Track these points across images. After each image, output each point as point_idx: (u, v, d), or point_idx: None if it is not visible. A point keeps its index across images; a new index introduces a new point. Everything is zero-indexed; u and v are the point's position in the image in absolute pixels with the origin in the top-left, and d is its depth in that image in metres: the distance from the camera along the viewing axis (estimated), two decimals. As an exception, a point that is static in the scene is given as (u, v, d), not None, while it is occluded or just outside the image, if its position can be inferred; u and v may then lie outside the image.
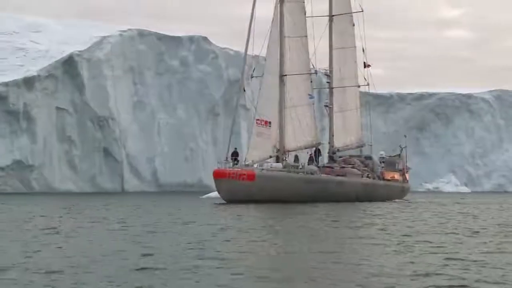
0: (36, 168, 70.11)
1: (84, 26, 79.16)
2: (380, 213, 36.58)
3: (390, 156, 60.92)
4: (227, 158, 48.66)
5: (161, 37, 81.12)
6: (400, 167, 60.25)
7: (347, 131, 57.99)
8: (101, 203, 46.47)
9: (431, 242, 20.14)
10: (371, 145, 59.86)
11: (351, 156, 58.02)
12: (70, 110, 73.06)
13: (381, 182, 57.34)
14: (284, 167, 49.94)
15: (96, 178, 75.05)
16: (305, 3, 53.10)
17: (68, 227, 25.08)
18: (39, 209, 38.55)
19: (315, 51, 54.11)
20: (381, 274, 14.10)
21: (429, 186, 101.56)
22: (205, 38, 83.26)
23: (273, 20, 51.01)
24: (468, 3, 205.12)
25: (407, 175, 61.08)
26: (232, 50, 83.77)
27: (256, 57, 52.53)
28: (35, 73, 69.51)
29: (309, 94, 52.68)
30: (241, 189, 46.25)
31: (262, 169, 48.90)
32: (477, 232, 24.48)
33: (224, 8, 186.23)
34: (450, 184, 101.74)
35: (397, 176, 59.47)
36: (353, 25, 57.40)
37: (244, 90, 52.14)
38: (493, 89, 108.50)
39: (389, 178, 58.39)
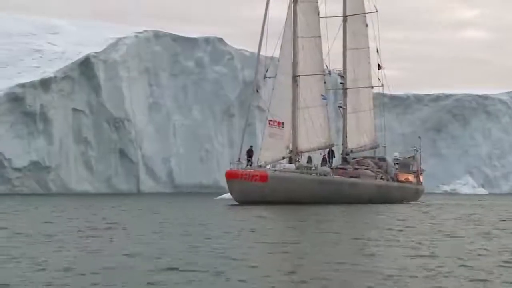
0: (53, 169, 69.90)
1: (100, 28, 78.96)
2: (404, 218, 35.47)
3: (404, 158, 60.05)
4: (239, 159, 48.12)
5: (177, 38, 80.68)
6: (414, 168, 59.35)
7: (361, 132, 57.24)
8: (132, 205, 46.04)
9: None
10: (385, 147, 59.05)
11: (364, 157, 57.24)
12: (86, 112, 72.80)
13: (395, 184, 56.51)
14: (297, 168, 49.31)
15: (112, 179, 74.76)
16: (319, 3, 52.56)
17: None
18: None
19: (328, 52, 53.46)
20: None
21: (446, 187, 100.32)
22: (220, 39, 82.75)
23: (286, 20, 50.43)
24: (484, 4, 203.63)
25: (421, 177, 60.16)
26: (247, 51, 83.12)
27: (271, 58, 51.93)
28: (51, 75, 69.28)
29: (322, 95, 52.02)
30: (254, 190, 45.68)
31: (275, 170, 48.30)
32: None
33: (239, 9, 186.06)
34: (467, 185, 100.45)
35: (411, 178, 58.57)
36: (366, 25, 56.65)
37: (257, 91, 51.54)
38: (510, 90, 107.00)
39: (403, 180, 57.54)
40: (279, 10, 53.25)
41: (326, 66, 53.43)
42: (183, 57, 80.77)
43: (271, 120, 49.34)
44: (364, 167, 54.49)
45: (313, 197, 47.88)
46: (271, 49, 50.12)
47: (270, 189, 46.02)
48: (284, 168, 48.87)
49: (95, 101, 73.00)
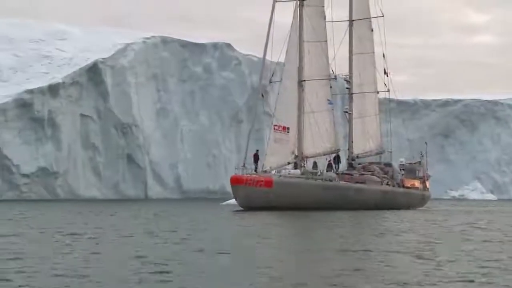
0: (61, 175, 69.44)
1: (108, 33, 78.51)
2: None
3: (410, 163, 59.16)
4: (244, 164, 47.40)
5: (185, 44, 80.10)
6: (421, 174, 58.46)
7: (366, 138, 56.44)
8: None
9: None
10: (390, 152, 58.20)
11: (370, 163, 56.41)
12: (94, 117, 72.37)
13: (401, 189, 55.63)
14: (303, 173, 48.53)
15: (120, 185, 74.22)
16: (325, 8, 51.82)
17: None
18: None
19: (334, 56, 52.71)
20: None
21: (454, 193, 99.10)
22: (228, 45, 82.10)
23: (292, 24, 49.70)
24: (494, 8, 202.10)
25: (427, 183, 59.23)
26: (255, 56, 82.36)
27: (276, 63, 51.26)
28: (60, 80, 68.90)
29: (328, 100, 51.27)
30: (259, 195, 44.95)
31: (280, 176, 47.56)
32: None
33: (247, 15, 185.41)
34: (475, 191, 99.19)
35: (417, 183, 57.66)
36: (372, 30, 55.90)
37: (263, 96, 50.70)
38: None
39: (409, 185, 56.66)
40: (286, 15, 52.59)
41: (332, 70, 52.67)
42: (191, 63, 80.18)
43: (276, 125, 48.64)
44: (370, 173, 53.66)
45: (318, 202, 47.07)
46: (278, 54, 49.49)
47: (275, 194, 45.29)
48: (289, 174, 48.14)
49: (103, 107, 72.56)
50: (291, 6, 50.49)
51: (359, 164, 55.98)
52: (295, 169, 49.10)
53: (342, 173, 52.22)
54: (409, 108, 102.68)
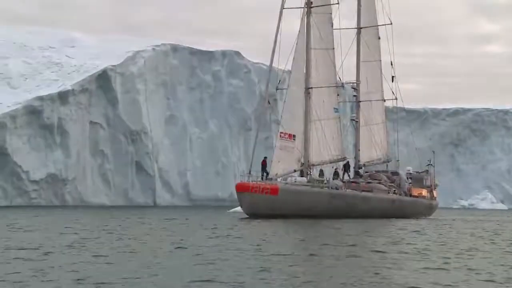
0: (70, 182, 69.18)
1: (118, 41, 78.26)
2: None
3: (417, 172, 58.32)
4: (250, 171, 46.78)
5: (194, 52, 79.73)
6: (428, 183, 57.62)
7: (373, 146, 55.67)
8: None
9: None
10: (398, 161, 57.38)
11: (377, 171, 55.64)
12: (103, 124, 72.08)
13: (408, 198, 54.82)
14: (309, 181, 47.83)
15: (129, 192, 73.83)
16: (332, 15, 51.14)
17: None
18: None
19: (342, 64, 52.02)
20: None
21: (464, 203, 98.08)
22: (237, 53, 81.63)
23: (299, 32, 49.08)
24: (505, 18, 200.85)
25: (435, 192, 58.36)
26: (264, 64, 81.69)
27: (283, 70, 50.69)
28: (69, 88, 68.63)
29: (335, 108, 50.57)
30: (264, 203, 44.31)
31: (286, 183, 46.88)
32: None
33: (257, 23, 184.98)
34: (485, 201, 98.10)
35: (424, 192, 56.84)
36: (379, 38, 55.20)
37: (269, 103, 50.03)
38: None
39: (416, 194, 55.83)
40: (294, 23, 51.99)
41: (340, 78, 51.98)
42: (200, 71, 79.76)
43: (282, 133, 48.01)
44: (377, 181, 52.87)
45: (324, 211, 46.39)
46: (286, 61, 48.87)
47: (281, 202, 44.63)
48: (295, 181, 47.44)
49: (112, 114, 72.24)
50: (299, 14, 49.90)
51: (366, 172, 55.26)
52: (301, 176, 48.41)
53: (349, 181, 51.44)
54: (419, 117, 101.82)
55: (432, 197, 58.03)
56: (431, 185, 57.95)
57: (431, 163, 58.80)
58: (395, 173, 55.61)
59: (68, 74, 71.03)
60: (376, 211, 49.59)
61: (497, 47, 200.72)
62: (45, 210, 54.81)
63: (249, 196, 44.55)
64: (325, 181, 48.67)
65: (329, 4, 50.88)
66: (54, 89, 68.15)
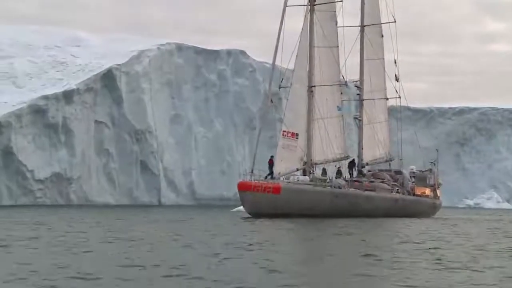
0: (75, 181, 68.84)
1: (123, 40, 77.94)
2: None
3: (421, 171, 57.62)
4: (252, 170, 46.23)
5: (199, 51, 79.28)
6: (432, 182, 56.91)
7: (376, 144, 55.01)
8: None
9: None
10: (401, 159, 56.68)
11: (380, 170, 55.00)
12: (108, 123, 71.74)
13: (411, 197, 54.15)
14: (311, 180, 47.25)
15: (133, 191, 73.44)
16: (336, 13, 50.49)
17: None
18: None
19: (345, 62, 51.37)
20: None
21: (470, 202, 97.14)
22: (242, 52, 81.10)
23: (302, 29, 48.44)
24: (511, 17, 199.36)
25: (438, 191, 57.64)
26: (269, 63, 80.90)
27: (286, 69, 50.08)
28: (74, 87, 68.31)
29: (338, 106, 49.97)
30: (266, 202, 43.73)
31: (288, 182, 46.31)
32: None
33: (262, 22, 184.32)
34: (491, 200, 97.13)
35: (428, 191, 56.12)
36: (382, 36, 54.55)
37: (272, 101, 49.36)
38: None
39: (419, 193, 55.15)
40: (299, 21, 51.28)
41: (343, 76, 51.34)
42: (205, 70, 79.29)
43: (285, 131, 47.43)
44: (380, 180, 52.24)
45: (327, 210, 45.79)
46: (290, 60, 48.32)
47: (283, 201, 44.06)
48: (298, 180, 46.87)
49: (117, 113, 71.90)
50: (303, 12, 49.24)
51: (369, 171, 54.64)
52: (304, 175, 47.84)
53: (352, 180, 50.81)
54: (425, 116, 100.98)
55: (436, 196, 57.34)
56: (435, 184, 57.26)
57: (434, 161, 58.07)
58: (399, 172, 54.97)
59: (73, 73, 70.75)
60: (379, 210, 48.96)
61: (503, 46, 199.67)
62: (55, 209, 54.47)
63: (251, 195, 44.01)
64: (328, 180, 48.08)
65: (332, 2, 50.21)
66: (59, 88, 67.85)
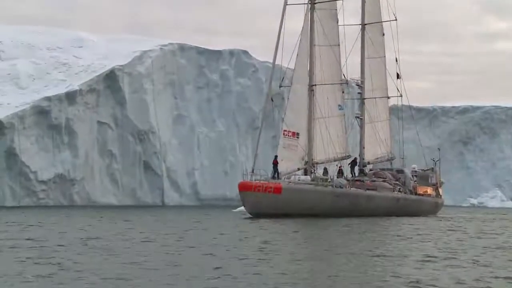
0: (78, 182, 68.43)
1: (126, 41, 77.38)
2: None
3: (423, 170, 57.00)
4: (253, 170, 45.79)
5: (201, 51, 78.63)
6: (434, 181, 56.30)
7: (378, 143, 54.41)
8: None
9: None
10: (403, 158, 56.08)
11: (382, 169, 54.43)
12: (111, 124, 71.25)
13: (413, 196, 53.59)
14: (313, 180, 46.74)
15: (137, 191, 72.93)
16: (337, 11, 49.93)
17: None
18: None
19: (346, 61, 50.80)
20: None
21: (474, 201, 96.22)
22: (245, 52, 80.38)
23: (303, 28, 47.91)
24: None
25: (440, 190, 57.02)
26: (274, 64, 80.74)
27: (287, 68, 49.58)
28: (77, 88, 67.88)
29: (339, 105, 49.42)
30: (267, 202, 43.29)
31: (289, 182, 45.80)
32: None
33: (264, 22, 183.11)
34: (495, 199, 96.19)
35: (430, 190, 55.56)
36: (383, 34, 53.94)
37: (272, 100, 48.83)
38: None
39: (421, 192, 54.54)
40: (300, 21, 50.68)
41: (344, 75, 50.76)
42: (207, 70, 78.65)
43: (285, 131, 47.01)
44: (382, 179, 51.68)
45: (329, 209, 45.30)
46: (292, 59, 47.84)
47: (284, 201, 43.63)
48: (299, 180, 46.35)
49: (120, 114, 71.44)
50: (304, 11, 48.67)
51: (371, 170, 54.08)
52: (305, 175, 47.31)
53: (353, 180, 50.25)
54: (428, 115, 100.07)
55: (438, 195, 56.72)
56: (437, 183, 56.64)
57: (436, 160, 57.45)
58: (400, 171, 54.43)
59: (76, 74, 70.31)
60: (381, 209, 48.42)
61: (506, 45, 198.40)
62: (63, 210, 54.16)
63: (252, 196, 43.58)
64: (329, 180, 47.54)
65: (333, 0, 49.71)
66: (61, 89, 67.45)
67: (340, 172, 49.96)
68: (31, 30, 77.42)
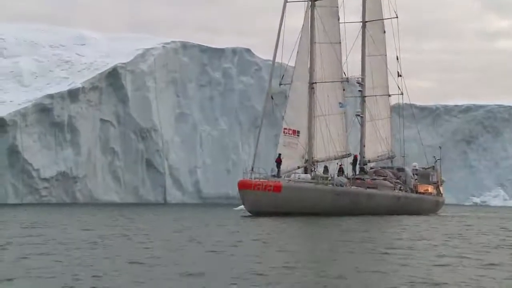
0: (80, 179, 68.11)
1: (128, 39, 76.92)
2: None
3: (423, 168, 56.29)
4: (252, 168, 45.21)
5: (204, 49, 78.07)
6: (435, 179, 55.57)
7: (378, 141, 53.72)
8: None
9: None
10: (403, 157, 55.35)
11: (382, 167, 53.74)
12: (113, 122, 70.87)
13: (414, 195, 52.90)
14: (313, 178, 46.10)
15: (139, 189, 72.49)
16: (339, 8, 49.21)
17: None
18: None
19: (347, 59, 50.13)
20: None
21: (477, 200, 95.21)
22: (248, 50, 79.72)
23: (303, 25, 47.25)
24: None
25: (441, 188, 56.29)
26: (277, 62, 79.94)
27: (287, 65, 48.92)
28: (79, 85, 67.47)
29: (340, 103, 48.75)
30: (267, 200, 42.70)
31: (289, 180, 45.17)
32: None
33: (267, 20, 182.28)
34: (498, 198, 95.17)
35: (431, 189, 54.85)
36: (384, 32, 53.21)
37: (272, 98, 48.16)
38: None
39: (422, 191, 53.84)
40: (301, 18, 50.00)
41: (344, 73, 50.08)
42: (210, 68, 78.07)
43: (286, 129, 46.39)
44: (382, 178, 51.00)
45: (329, 208, 44.69)
46: (293, 57, 47.21)
47: (284, 199, 43.02)
48: (299, 178, 45.72)
49: (122, 112, 71.03)
50: (304, 8, 48.00)
51: (371, 168, 53.39)
52: (305, 173, 46.66)
53: (354, 178, 49.58)
54: (431, 114, 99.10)
55: (439, 194, 56.02)
56: (438, 182, 55.91)
57: (437, 159, 56.73)
58: (401, 170, 53.73)
59: (78, 72, 69.91)
60: (381, 208, 47.77)
61: (507, 43, 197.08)
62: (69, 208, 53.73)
63: (252, 194, 43.01)
64: (330, 178, 46.90)
65: (334, -3, 49.08)
66: (64, 87, 67.09)
67: (341, 171, 49.29)
68: (33, 28, 76.96)
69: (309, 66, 47.56)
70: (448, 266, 16.87)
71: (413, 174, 54.40)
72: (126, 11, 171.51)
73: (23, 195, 64.39)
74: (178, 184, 75.11)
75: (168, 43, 75.56)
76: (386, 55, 53.88)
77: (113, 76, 70.09)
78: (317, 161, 47.63)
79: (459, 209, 70.86)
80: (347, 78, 50.88)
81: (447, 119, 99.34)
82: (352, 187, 47.68)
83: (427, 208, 53.51)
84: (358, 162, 52.97)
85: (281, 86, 48.26)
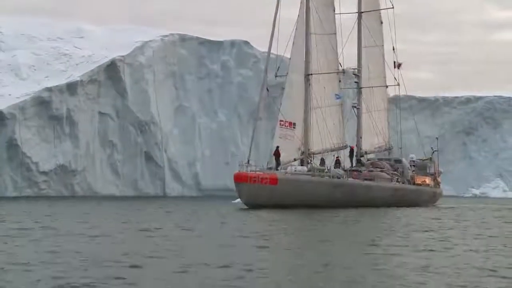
0: (79, 173, 67.80)
1: (126, 31, 76.12)
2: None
3: (421, 160, 55.53)
4: (248, 160, 44.55)
5: (202, 42, 77.26)
6: (432, 171, 54.84)
7: (375, 133, 52.92)
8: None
9: None
10: (401, 148, 54.56)
11: (380, 159, 53.02)
12: (112, 115, 70.40)
13: (412, 186, 52.15)
14: (309, 170, 45.38)
15: (138, 182, 71.99)
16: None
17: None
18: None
19: (342, 50, 49.28)
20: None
21: (476, 191, 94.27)
22: (246, 42, 78.73)
23: (299, 16, 46.46)
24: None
25: (439, 179, 55.54)
26: (273, 54, 78.97)
27: (282, 57, 48.21)
28: (78, 78, 67.01)
29: (336, 94, 48.00)
30: (263, 193, 42.08)
31: (286, 173, 44.46)
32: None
33: (265, 12, 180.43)
34: (497, 189, 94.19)
35: (428, 180, 54.09)
36: (381, 22, 52.32)
37: (268, 90, 47.39)
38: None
39: (420, 182, 53.09)
40: (297, 8, 49.16)
41: (340, 64, 49.24)
42: (208, 60, 77.24)
43: (282, 121, 45.72)
44: (379, 169, 50.25)
45: (326, 200, 44.03)
46: (289, 48, 46.50)
47: (281, 192, 42.38)
48: (295, 171, 45.01)
49: (121, 105, 70.55)
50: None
51: (368, 160, 52.65)
52: (302, 165, 45.96)
53: (350, 170, 48.86)
54: (430, 105, 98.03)
55: (436, 185, 55.27)
56: (435, 173, 55.16)
57: (435, 150, 55.97)
58: (398, 161, 52.97)
59: (77, 65, 69.42)
60: (378, 200, 47.04)
61: (508, 35, 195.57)
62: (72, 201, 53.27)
63: (248, 186, 42.40)
64: (326, 170, 46.19)
65: (329, -12, 48.24)
66: (62, 80, 66.74)
67: (338, 162, 48.56)
68: (31, 21, 76.28)
69: (304, 57, 46.69)
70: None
71: (411, 165, 53.65)
72: (124, 4, 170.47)
73: (22, 188, 64.25)
74: (177, 177, 74.53)
75: (166, 36, 74.83)
76: (383, 46, 52.98)
77: (111, 69, 69.54)
78: (314, 153, 46.90)
79: (458, 200, 70.23)
80: (343, 69, 50.03)
81: (447, 110, 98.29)
82: (349, 179, 46.93)
83: (425, 199, 52.77)
84: (355, 153, 52.21)
85: (277, 78, 47.48)
